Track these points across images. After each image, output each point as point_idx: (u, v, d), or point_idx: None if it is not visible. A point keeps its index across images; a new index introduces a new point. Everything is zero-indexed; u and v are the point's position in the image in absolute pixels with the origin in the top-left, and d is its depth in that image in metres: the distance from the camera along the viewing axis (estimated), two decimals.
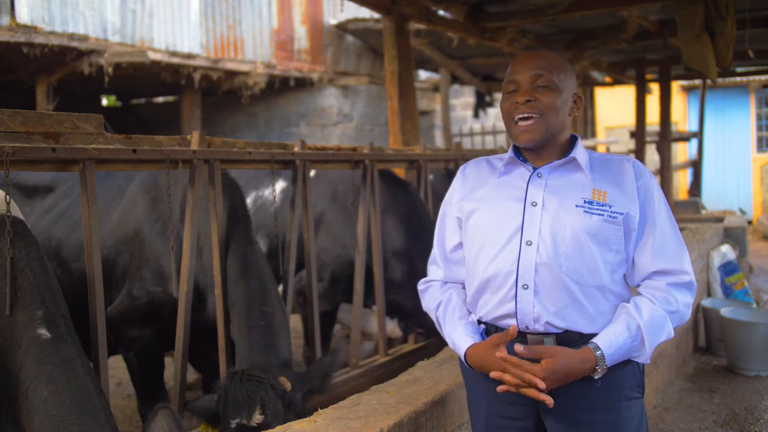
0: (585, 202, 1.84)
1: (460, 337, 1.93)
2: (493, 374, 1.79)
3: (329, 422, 2.16)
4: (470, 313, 2.00)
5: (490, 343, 1.83)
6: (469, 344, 1.90)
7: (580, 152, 1.90)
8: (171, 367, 3.20)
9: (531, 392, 1.74)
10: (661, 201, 1.89)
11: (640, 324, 1.78)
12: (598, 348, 1.76)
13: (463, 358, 1.93)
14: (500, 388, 1.79)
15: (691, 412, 4.30)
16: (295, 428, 2.13)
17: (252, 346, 2.84)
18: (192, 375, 4.65)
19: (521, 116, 1.86)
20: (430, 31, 8.27)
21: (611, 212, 1.82)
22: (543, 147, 1.90)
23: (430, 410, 2.39)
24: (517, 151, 1.97)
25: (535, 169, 1.92)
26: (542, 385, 1.71)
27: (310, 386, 2.72)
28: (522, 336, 1.87)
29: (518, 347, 1.75)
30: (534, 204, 1.87)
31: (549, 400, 1.72)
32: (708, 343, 5.73)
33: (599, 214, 1.82)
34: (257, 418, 2.49)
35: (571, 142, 1.95)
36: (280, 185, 4.49)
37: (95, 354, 2.45)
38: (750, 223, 13.46)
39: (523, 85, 1.87)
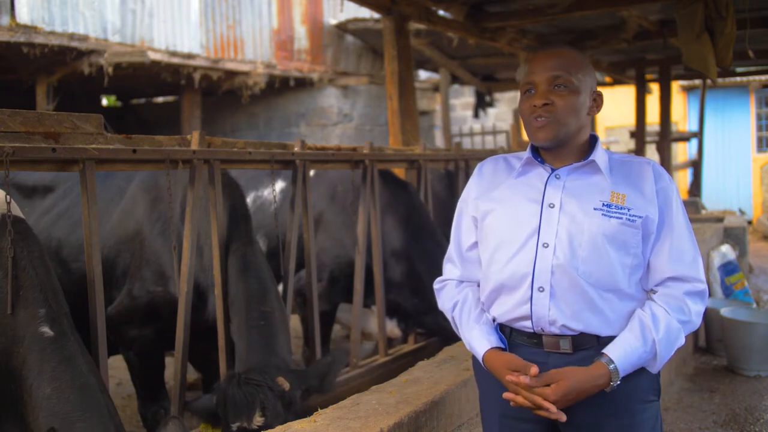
0: (603, 204, 1.80)
1: (477, 340, 1.91)
2: (506, 395, 1.79)
3: (329, 422, 2.16)
4: (485, 311, 1.98)
5: (506, 365, 1.81)
6: (487, 348, 1.88)
7: (599, 154, 1.86)
8: (171, 367, 3.20)
9: (543, 413, 1.73)
10: (679, 205, 1.85)
11: (656, 339, 1.75)
12: (611, 362, 1.73)
13: (481, 362, 1.92)
14: (513, 404, 1.79)
15: (691, 412, 4.30)
16: (295, 428, 2.13)
17: (251, 346, 2.84)
18: (192, 375, 4.65)
19: (538, 118, 1.82)
20: (430, 31, 8.28)
21: (630, 215, 1.79)
22: (561, 147, 1.86)
23: (430, 410, 2.39)
24: (535, 151, 1.93)
25: (553, 170, 1.88)
26: (553, 408, 1.70)
27: (309, 385, 2.72)
28: (537, 337, 1.85)
29: (528, 379, 1.74)
30: (551, 206, 1.83)
31: (562, 418, 1.72)
32: (708, 343, 5.73)
33: (618, 218, 1.78)
34: (258, 420, 2.50)
35: (591, 143, 1.91)
36: (279, 185, 4.49)
37: (95, 354, 2.45)
38: (750, 223, 13.46)
39: (540, 87, 1.82)
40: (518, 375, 1.76)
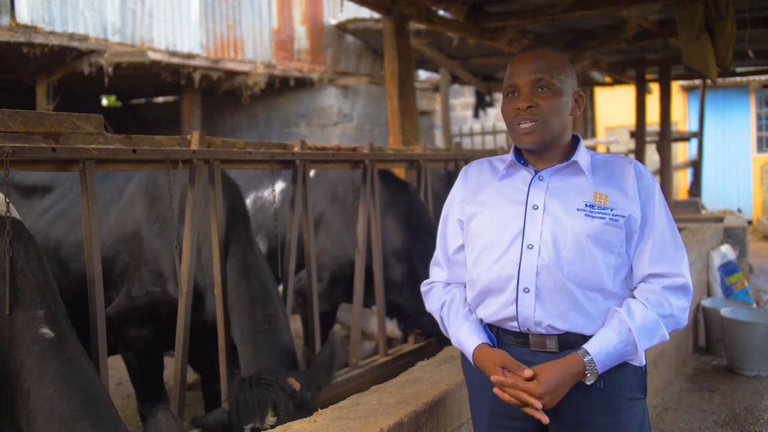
0: (586, 205, 1.82)
1: (466, 337, 1.93)
2: (496, 390, 1.81)
3: (329, 422, 2.16)
4: (472, 312, 2.00)
5: (496, 361, 1.83)
6: (476, 344, 1.90)
7: (582, 155, 1.88)
8: (171, 367, 3.20)
9: (529, 410, 1.75)
10: (661, 204, 1.87)
11: (632, 328, 1.76)
12: (587, 353, 1.76)
13: (470, 359, 1.93)
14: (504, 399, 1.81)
15: (691, 412, 4.30)
16: (295, 428, 2.13)
17: (258, 351, 2.84)
18: (192, 375, 4.64)
19: (523, 121, 1.84)
20: (430, 31, 8.27)
21: (613, 215, 1.81)
22: (545, 149, 1.88)
23: (430, 410, 2.39)
24: (519, 153, 1.95)
25: (536, 172, 1.90)
26: (538, 404, 1.72)
27: (318, 383, 2.73)
28: (524, 337, 1.87)
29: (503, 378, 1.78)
30: (535, 207, 1.85)
31: (545, 420, 1.74)
32: (708, 343, 5.73)
33: (600, 218, 1.81)
34: (270, 420, 2.49)
35: (573, 143, 1.93)
36: (279, 186, 4.49)
37: (95, 354, 2.45)
38: (750, 223, 13.46)
39: (523, 90, 1.84)
40: (504, 372, 1.78)
